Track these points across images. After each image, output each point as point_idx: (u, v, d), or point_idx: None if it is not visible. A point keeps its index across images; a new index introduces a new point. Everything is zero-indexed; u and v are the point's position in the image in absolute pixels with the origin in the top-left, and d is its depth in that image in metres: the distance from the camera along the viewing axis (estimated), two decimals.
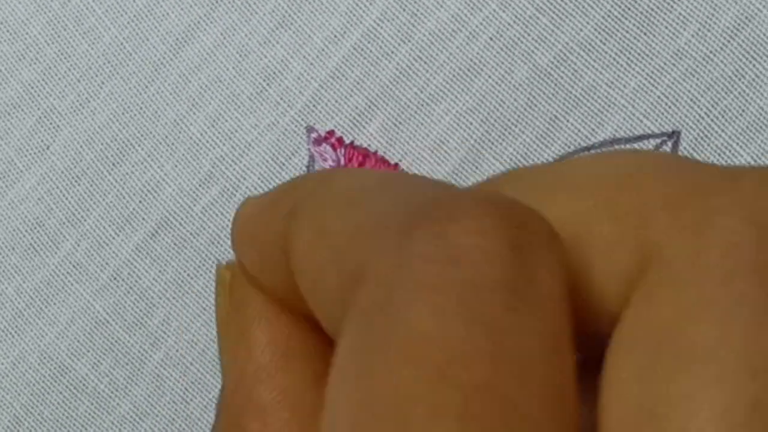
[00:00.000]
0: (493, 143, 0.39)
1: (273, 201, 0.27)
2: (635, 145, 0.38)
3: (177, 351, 0.39)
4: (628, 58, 0.38)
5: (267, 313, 0.26)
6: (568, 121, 0.38)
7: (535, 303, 0.20)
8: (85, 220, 0.40)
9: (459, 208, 0.21)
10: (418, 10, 0.39)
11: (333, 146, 0.39)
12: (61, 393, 0.40)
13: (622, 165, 0.23)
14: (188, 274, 0.39)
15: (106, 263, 0.40)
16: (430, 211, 0.21)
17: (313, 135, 0.39)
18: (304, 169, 0.39)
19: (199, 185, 0.39)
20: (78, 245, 0.40)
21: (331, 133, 0.39)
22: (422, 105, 0.39)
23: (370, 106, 0.39)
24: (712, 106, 0.38)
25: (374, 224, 0.22)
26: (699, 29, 0.38)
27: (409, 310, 0.20)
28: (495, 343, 0.19)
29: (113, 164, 0.40)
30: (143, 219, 0.40)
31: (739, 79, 0.38)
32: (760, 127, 0.38)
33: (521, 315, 0.19)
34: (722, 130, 0.38)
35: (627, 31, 0.38)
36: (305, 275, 0.24)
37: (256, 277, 0.27)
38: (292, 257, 0.24)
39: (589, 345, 0.21)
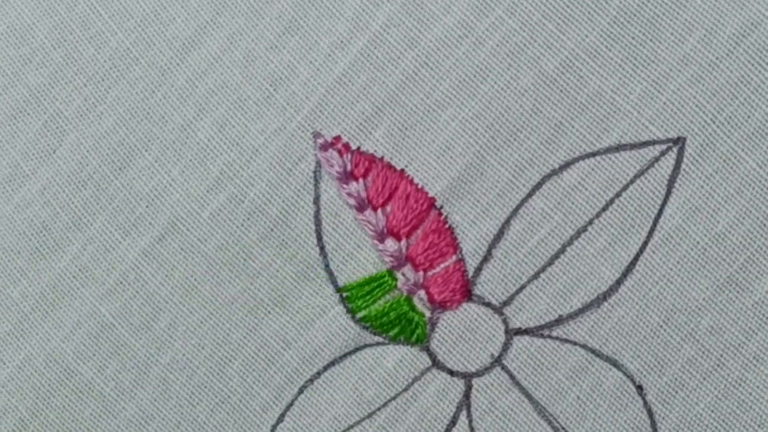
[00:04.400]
0: (498, 149, 0.39)
1: None
2: (640, 152, 0.38)
3: (183, 355, 0.40)
4: (634, 65, 0.38)
5: None
6: (573, 126, 0.39)
7: None
8: (91, 224, 0.40)
9: None
10: (424, 16, 0.39)
11: (339, 152, 0.39)
12: (66, 396, 0.40)
13: None
14: (195, 279, 0.39)
15: (113, 267, 0.40)
16: None
17: (320, 141, 0.39)
18: (311, 175, 0.39)
19: (207, 191, 0.39)
20: (84, 249, 0.40)
21: (337, 138, 0.39)
22: (428, 111, 0.39)
23: (376, 112, 0.39)
24: (718, 112, 0.38)
25: None
26: (705, 35, 0.38)
27: None
28: None
29: (120, 169, 0.40)
30: (150, 224, 0.40)
31: (745, 85, 0.38)
32: (766, 133, 0.38)
33: None
34: (728, 137, 0.38)
35: (633, 38, 0.38)
36: None
37: None
38: None
39: None
